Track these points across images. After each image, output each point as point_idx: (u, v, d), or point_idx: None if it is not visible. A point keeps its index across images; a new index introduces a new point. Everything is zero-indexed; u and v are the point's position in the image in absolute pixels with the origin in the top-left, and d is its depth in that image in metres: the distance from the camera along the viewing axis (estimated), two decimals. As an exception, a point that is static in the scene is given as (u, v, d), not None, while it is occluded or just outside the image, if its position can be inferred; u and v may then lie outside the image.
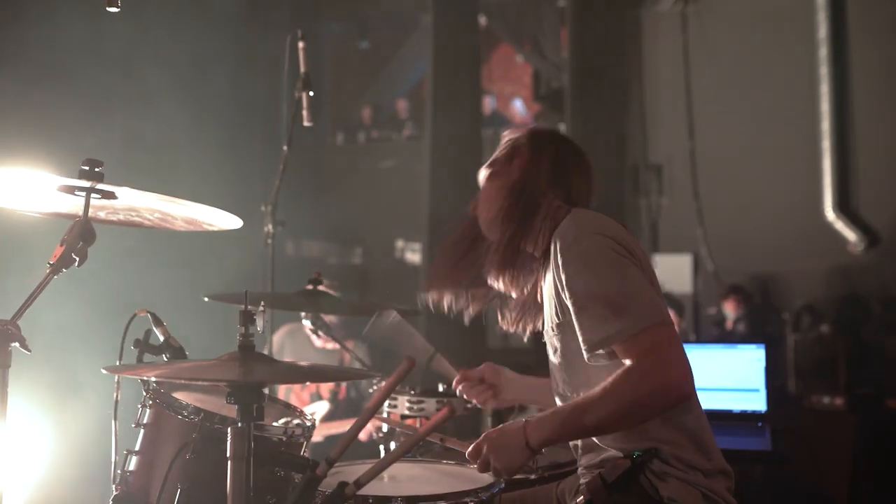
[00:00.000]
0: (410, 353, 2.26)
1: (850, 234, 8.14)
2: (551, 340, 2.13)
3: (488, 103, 9.98)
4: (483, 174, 2.26)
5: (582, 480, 2.08)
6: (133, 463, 2.19)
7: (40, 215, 2.22)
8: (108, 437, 2.23)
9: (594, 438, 2.04)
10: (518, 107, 10.58)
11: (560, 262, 1.94)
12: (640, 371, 1.84)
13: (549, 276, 2.02)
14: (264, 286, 3.47)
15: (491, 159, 2.27)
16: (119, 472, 2.19)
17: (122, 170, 2.16)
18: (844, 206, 8.23)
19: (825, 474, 5.13)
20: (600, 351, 1.91)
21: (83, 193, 1.97)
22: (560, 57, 9.90)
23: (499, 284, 2.15)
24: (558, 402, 2.16)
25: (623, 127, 9.00)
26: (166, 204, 2.07)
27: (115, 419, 2.25)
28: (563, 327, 2.03)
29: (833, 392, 5.82)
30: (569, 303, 1.94)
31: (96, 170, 1.94)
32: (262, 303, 1.77)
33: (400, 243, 9.81)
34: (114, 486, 2.19)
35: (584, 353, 1.94)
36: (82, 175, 1.93)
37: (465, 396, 2.46)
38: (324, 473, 1.66)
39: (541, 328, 2.23)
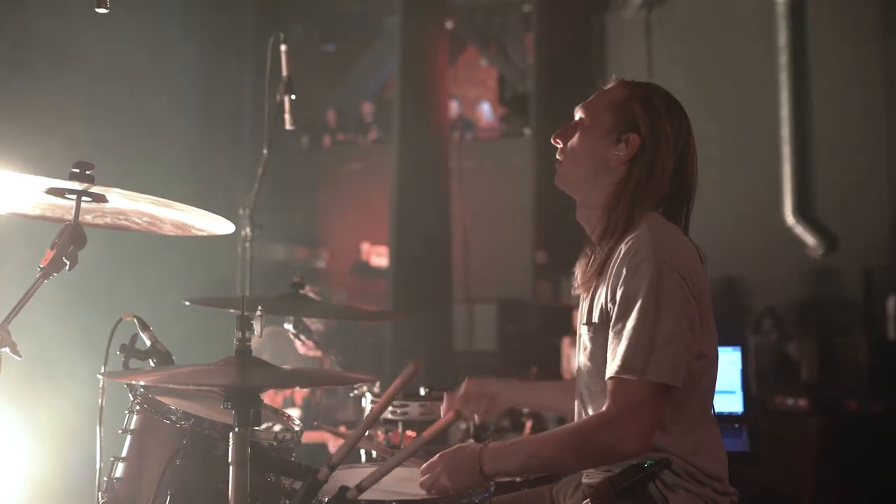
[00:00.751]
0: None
1: (809, 239, 8.27)
2: (583, 339, 2.11)
3: (453, 107, 10.01)
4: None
5: (586, 480, 2.08)
6: (119, 469, 2.17)
7: (21, 217, 2.19)
8: (92, 443, 2.21)
9: None
10: (485, 110, 10.62)
11: (623, 273, 1.93)
12: (605, 419, 1.87)
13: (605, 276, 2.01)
14: (243, 290, 3.44)
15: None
16: (105, 479, 2.16)
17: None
18: (804, 211, 8.36)
19: (792, 473, 5.22)
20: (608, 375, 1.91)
21: (73, 196, 1.95)
22: (525, 61, 9.96)
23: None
24: (576, 404, 2.17)
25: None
26: (156, 208, 2.05)
27: (100, 425, 2.22)
28: (597, 329, 2.02)
29: (796, 394, 5.91)
30: (612, 314, 1.94)
31: (87, 172, 1.92)
32: (259, 307, 1.75)
33: (365, 246, 9.79)
34: (99, 493, 2.16)
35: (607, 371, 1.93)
36: (73, 178, 1.91)
37: (466, 417, 2.44)
38: (325, 478, 1.65)
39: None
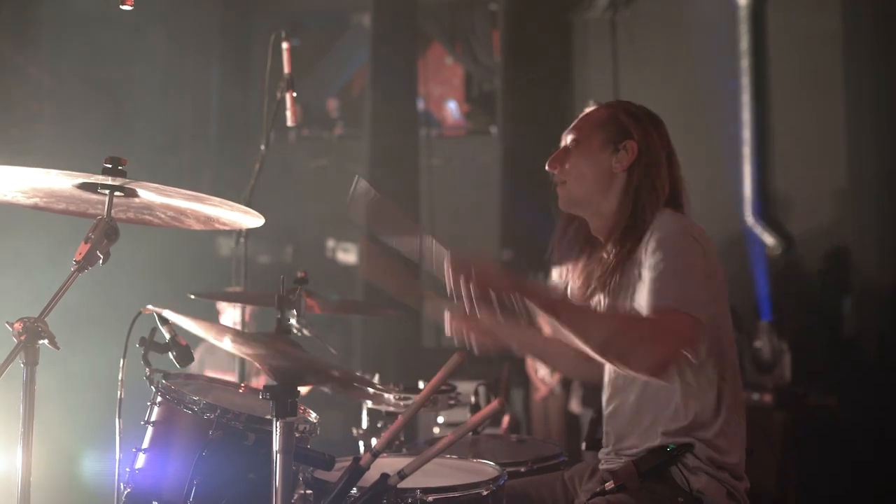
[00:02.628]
0: (399, 243, 2.13)
1: (768, 239, 8.47)
2: None
3: (419, 104, 10.05)
4: None
5: (605, 466, 2.16)
6: (142, 460, 2.20)
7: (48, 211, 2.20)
8: (111, 435, 2.23)
9: (631, 427, 2.12)
10: (451, 108, 10.66)
11: (650, 251, 2.04)
12: (662, 333, 1.92)
13: (628, 271, 2.11)
14: (237, 284, 3.46)
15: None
16: (127, 469, 2.19)
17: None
18: (763, 212, 8.56)
19: (757, 467, 5.36)
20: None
21: (106, 191, 1.97)
22: (492, 60, 10.03)
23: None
24: (607, 388, 2.25)
25: (555, 130, 9.14)
26: (185, 202, 2.08)
27: (119, 417, 2.24)
28: None
29: (760, 389, 6.08)
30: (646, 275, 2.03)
31: (119, 168, 1.95)
32: (298, 288, 1.79)
33: (331, 243, 9.78)
34: (121, 484, 2.19)
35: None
36: (106, 172, 1.94)
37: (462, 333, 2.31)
38: (368, 465, 1.71)
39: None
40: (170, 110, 7.44)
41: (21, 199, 2.09)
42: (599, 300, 2.22)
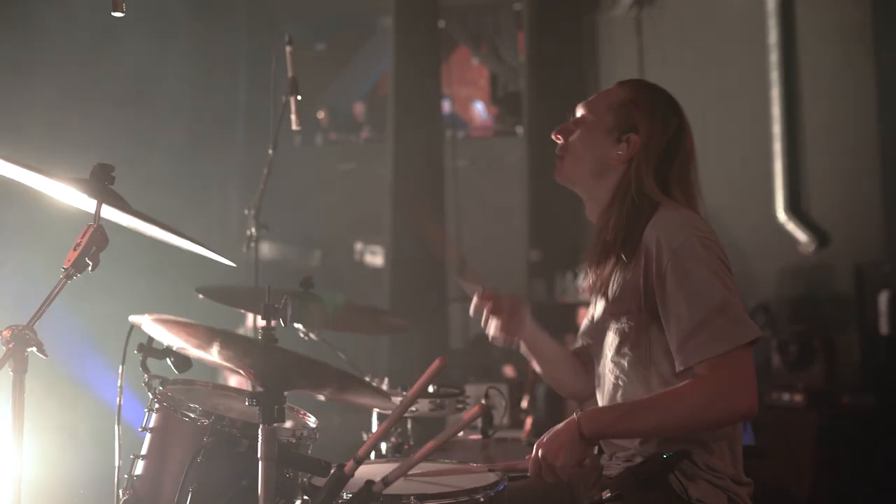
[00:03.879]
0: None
1: (800, 235, 8.34)
2: (612, 334, 2.14)
3: (445, 106, 10.04)
4: None
5: (606, 472, 2.12)
6: (140, 467, 2.19)
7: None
8: (110, 441, 2.23)
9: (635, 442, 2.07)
10: (479, 109, 10.64)
11: (668, 261, 1.95)
12: (717, 391, 1.88)
13: (634, 266, 2.04)
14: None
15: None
16: (125, 476, 2.19)
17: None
18: (795, 208, 8.42)
19: (795, 467, 5.28)
20: (696, 360, 1.92)
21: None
22: (517, 60, 9.98)
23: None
24: (601, 401, 2.19)
25: (581, 130, 9.09)
26: (165, 234, 2.08)
27: (118, 424, 2.24)
28: (637, 318, 2.05)
29: (792, 390, 5.97)
30: (662, 303, 1.97)
31: (110, 174, 1.94)
32: (285, 297, 1.77)
33: (359, 245, 9.80)
34: (120, 491, 2.19)
35: (676, 361, 1.96)
36: (93, 177, 1.93)
37: (484, 316, 2.36)
38: (352, 472, 1.68)
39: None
40: (196, 115, 7.49)
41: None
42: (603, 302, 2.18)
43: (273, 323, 1.75)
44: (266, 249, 8.63)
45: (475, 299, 2.36)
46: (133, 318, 1.83)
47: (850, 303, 7.68)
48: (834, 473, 5.49)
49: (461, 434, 3.80)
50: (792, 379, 6.15)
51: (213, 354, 1.82)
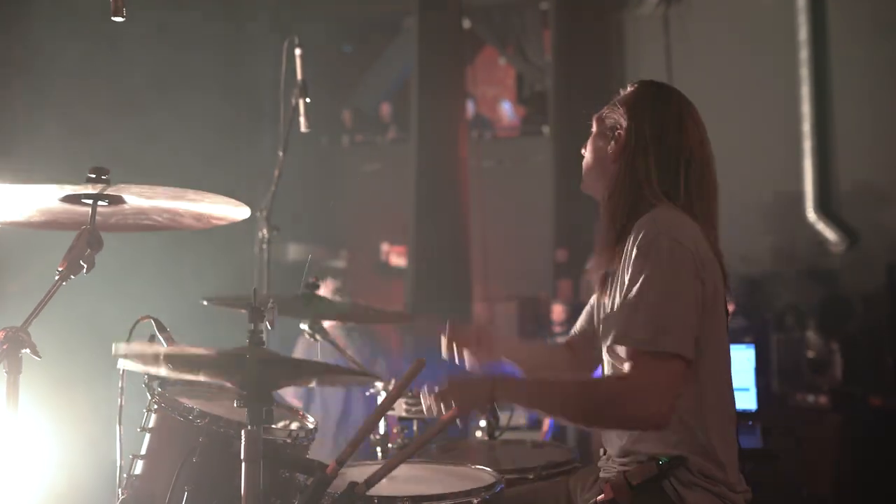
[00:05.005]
0: None
1: (830, 235, 8.23)
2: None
3: (469, 106, 10.05)
4: None
5: (603, 474, 2.11)
6: (139, 467, 2.21)
7: (33, 227, 2.23)
8: (111, 441, 2.25)
9: (625, 440, 2.06)
10: (506, 109, 10.63)
11: (633, 255, 1.95)
12: (630, 389, 1.88)
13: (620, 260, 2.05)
14: (260, 291, 3.46)
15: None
16: (125, 476, 2.21)
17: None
18: (825, 207, 8.32)
19: (811, 471, 5.20)
20: (620, 347, 1.93)
21: (90, 201, 1.99)
22: (543, 60, 9.95)
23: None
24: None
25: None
26: (173, 202, 2.09)
27: (120, 424, 2.26)
28: None
29: (817, 391, 5.89)
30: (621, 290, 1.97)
31: (103, 177, 1.96)
32: (272, 300, 1.78)
33: (385, 246, 9.82)
34: (120, 490, 2.21)
35: (605, 341, 1.98)
36: (89, 182, 1.96)
37: (455, 352, 2.40)
38: (335, 474, 1.68)
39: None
40: (223, 117, 7.54)
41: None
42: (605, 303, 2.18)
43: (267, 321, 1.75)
44: (291, 251, 8.70)
45: (443, 340, 2.41)
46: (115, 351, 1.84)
47: (881, 303, 7.58)
48: (857, 477, 5.42)
49: (468, 436, 3.80)
50: (819, 381, 6.07)
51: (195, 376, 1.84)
